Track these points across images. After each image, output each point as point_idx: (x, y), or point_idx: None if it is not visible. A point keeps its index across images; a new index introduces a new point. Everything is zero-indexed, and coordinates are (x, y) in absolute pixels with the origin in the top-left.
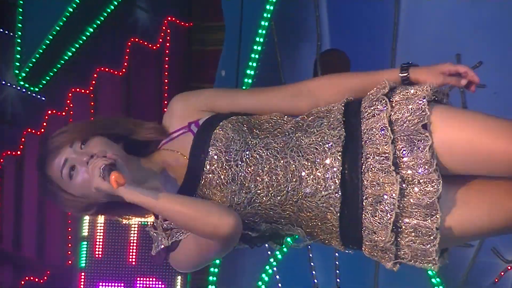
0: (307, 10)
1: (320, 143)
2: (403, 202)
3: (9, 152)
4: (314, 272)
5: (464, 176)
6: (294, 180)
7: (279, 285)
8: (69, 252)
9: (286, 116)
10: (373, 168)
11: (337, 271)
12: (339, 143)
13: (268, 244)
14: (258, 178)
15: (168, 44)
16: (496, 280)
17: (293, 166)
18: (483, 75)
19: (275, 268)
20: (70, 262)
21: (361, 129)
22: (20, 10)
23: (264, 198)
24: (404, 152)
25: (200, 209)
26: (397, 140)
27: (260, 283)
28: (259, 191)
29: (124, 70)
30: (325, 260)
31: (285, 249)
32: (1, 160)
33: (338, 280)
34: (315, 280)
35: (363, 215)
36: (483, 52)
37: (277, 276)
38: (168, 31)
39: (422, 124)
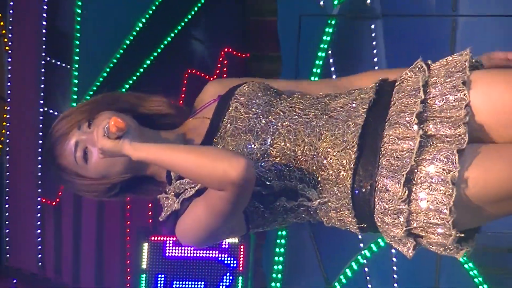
0: (365, 40)
1: (347, 104)
2: (421, 157)
3: None
4: None
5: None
6: (313, 134)
7: None
8: (128, 285)
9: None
10: (395, 124)
11: None
12: (367, 102)
13: (282, 201)
14: (275, 131)
15: (225, 75)
16: None
17: (315, 121)
18: None
19: None
20: None
21: (393, 93)
22: (77, 42)
23: (279, 152)
24: (435, 111)
25: (208, 154)
26: (431, 100)
27: None
28: (275, 144)
29: (181, 101)
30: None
31: (344, 280)
32: (60, 193)
33: None
34: None
35: (378, 171)
36: None
37: None
38: (225, 62)
39: (462, 81)
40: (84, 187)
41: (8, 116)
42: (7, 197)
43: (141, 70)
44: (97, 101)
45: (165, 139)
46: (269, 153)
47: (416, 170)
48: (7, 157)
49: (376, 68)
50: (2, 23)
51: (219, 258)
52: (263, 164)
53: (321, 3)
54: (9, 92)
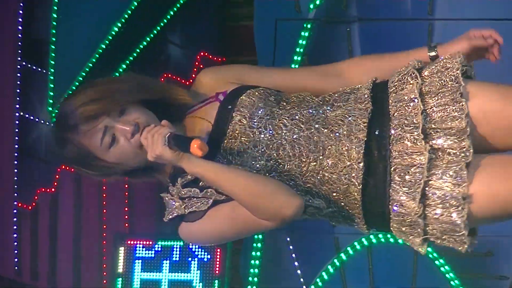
0: (341, 44)
1: (346, 115)
2: (431, 172)
3: (43, 190)
4: None
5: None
6: (316, 150)
7: None
8: None
9: (314, 95)
10: (401, 139)
11: None
12: (366, 115)
13: None
14: (280, 146)
15: None
16: None
17: (317, 136)
18: None
19: None
20: None
21: (388, 102)
22: (53, 47)
23: (284, 167)
24: (436, 123)
25: (268, 186)
26: (429, 111)
27: None
28: (280, 160)
29: None
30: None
31: (320, 284)
32: (36, 198)
33: None
34: None
35: (391, 186)
36: None
37: None
38: (202, 66)
39: (459, 92)
40: (91, 167)
41: None
42: None
43: (117, 74)
44: (127, 89)
45: None
46: (275, 168)
47: (427, 186)
48: None
49: None
50: None
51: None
52: (269, 177)
53: (297, 7)
54: None
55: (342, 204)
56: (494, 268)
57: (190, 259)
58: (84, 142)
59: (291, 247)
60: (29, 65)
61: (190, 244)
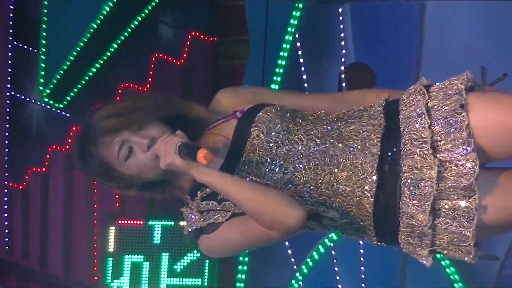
0: (332, 24)
1: (360, 131)
2: (441, 185)
3: (34, 169)
4: (340, 286)
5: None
6: (331, 164)
7: None
8: (95, 268)
9: (329, 114)
10: (411, 154)
11: (363, 285)
12: (379, 130)
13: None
14: (296, 160)
15: (192, 59)
16: None
17: (332, 150)
18: (508, 86)
19: (301, 283)
20: (96, 278)
21: (399, 118)
22: (44, 26)
23: (301, 180)
24: (441, 135)
25: (271, 196)
26: (434, 124)
27: None
28: (296, 173)
29: (148, 85)
30: (351, 274)
31: (310, 263)
32: (27, 177)
33: None
34: None
35: (401, 199)
36: (508, 64)
37: None
38: (193, 46)
39: (459, 104)
40: (111, 179)
41: None
42: None
43: (108, 54)
44: (148, 107)
45: None
46: (292, 181)
47: (437, 198)
48: None
49: (343, 52)
50: None
51: None
52: (285, 190)
53: None
54: None
55: (355, 216)
56: (484, 249)
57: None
58: (103, 154)
59: (336, 269)
60: (21, 45)
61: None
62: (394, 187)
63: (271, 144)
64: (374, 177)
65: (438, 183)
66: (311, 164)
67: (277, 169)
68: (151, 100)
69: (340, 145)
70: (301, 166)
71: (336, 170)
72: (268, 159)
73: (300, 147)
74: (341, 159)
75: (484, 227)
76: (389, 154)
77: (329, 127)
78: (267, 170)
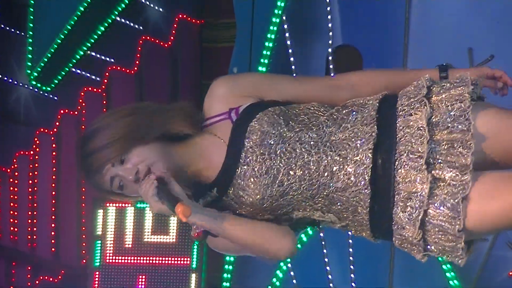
0: (319, 6)
1: (353, 139)
2: (431, 201)
3: (22, 152)
4: (328, 268)
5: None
6: (325, 174)
7: (294, 281)
8: (84, 251)
9: (323, 108)
10: (406, 166)
11: (352, 267)
12: (371, 140)
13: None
14: (291, 172)
15: (179, 42)
16: (510, 273)
17: (325, 161)
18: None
19: (289, 265)
20: (84, 261)
21: (396, 125)
22: (31, 10)
23: (296, 191)
24: (441, 154)
25: (261, 236)
26: (435, 141)
27: (274, 279)
28: (291, 185)
29: (136, 68)
30: (339, 256)
31: (299, 246)
32: (15, 160)
33: (352, 276)
34: (329, 276)
35: (394, 209)
36: (495, 46)
37: (292, 273)
38: (180, 28)
39: (470, 134)
40: (115, 195)
41: None
42: None
43: (95, 36)
44: (128, 135)
45: (187, 155)
46: (287, 192)
47: (426, 214)
48: None
49: (330, 34)
50: None
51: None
52: (282, 200)
53: None
54: None
55: (352, 220)
56: None
57: (169, 221)
58: (102, 185)
59: (325, 251)
60: (8, 28)
61: None
62: (387, 197)
63: (265, 156)
64: (367, 190)
65: (429, 198)
66: (305, 175)
67: (271, 183)
68: (129, 127)
69: (333, 153)
70: (296, 177)
71: (330, 181)
72: (263, 172)
73: (294, 159)
74: (335, 170)
75: (470, 231)
76: (384, 164)
77: (321, 133)
78: (262, 183)
